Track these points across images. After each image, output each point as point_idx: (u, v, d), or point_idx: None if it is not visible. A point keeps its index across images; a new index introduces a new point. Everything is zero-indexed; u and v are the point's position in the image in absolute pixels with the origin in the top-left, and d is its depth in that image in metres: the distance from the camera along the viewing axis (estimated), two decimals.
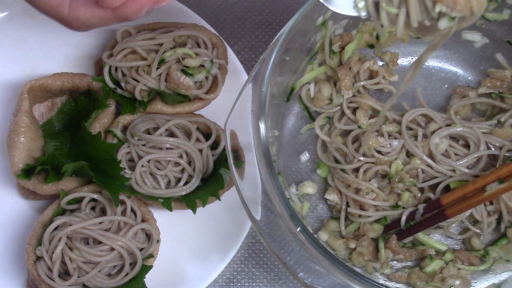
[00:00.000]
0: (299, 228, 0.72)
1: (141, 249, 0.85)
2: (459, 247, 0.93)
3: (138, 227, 0.85)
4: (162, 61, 0.89)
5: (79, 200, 0.87)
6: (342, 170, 0.93)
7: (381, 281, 0.90)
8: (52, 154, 0.87)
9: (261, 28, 1.07)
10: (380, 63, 1.00)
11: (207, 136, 0.91)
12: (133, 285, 0.84)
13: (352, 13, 0.57)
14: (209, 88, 0.93)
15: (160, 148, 0.88)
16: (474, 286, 0.90)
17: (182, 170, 0.89)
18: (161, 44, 0.90)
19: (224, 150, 0.90)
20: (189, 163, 0.89)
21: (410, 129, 0.96)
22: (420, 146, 0.92)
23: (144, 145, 0.88)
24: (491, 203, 0.91)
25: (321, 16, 0.88)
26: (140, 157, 0.88)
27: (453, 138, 0.94)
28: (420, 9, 0.54)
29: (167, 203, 0.87)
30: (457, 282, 0.88)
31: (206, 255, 0.89)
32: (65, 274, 0.83)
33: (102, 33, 0.97)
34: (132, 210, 0.87)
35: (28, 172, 0.85)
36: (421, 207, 0.90)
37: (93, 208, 0.87)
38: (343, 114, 0.97)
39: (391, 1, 0.53)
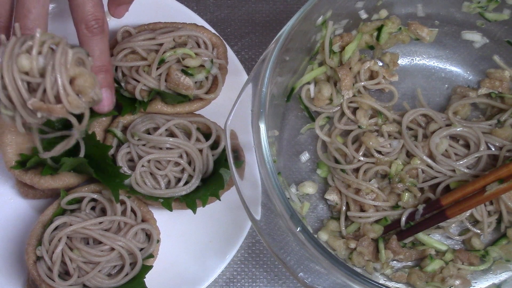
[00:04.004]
0: (299, 228, 0.72)
1: (141, 249, 0.85)
2: (459, 247, 0.93)
3: (138, 227, 0.85)
4: (162, 61, 0.89)
5: (79, 200, 0.87)
6: (342, 170, 0.93)
7: (381, 281, 0.90)
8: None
9: (261, 28, 1.07)
10: (380, 64, 1.00)
11: (207, 136, 0.91)
12: (133, 285, 0.84)
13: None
14: (209, 88, 0.93)
15: (160, 148, 0.88)
16: (474, 286, 0.90)
17: (182, 170, 0.89)
18: (161, 44, 0.90)
19: (224, 150, 0.90)
20: (189, 163, 0.89)
21: (410, 129, 0.96)
22: (420, 146, 0.92)
23: (144, 145, 0.88)
24: (491, 203, 0.91)
25: (321, 16, 0.89)
26: (140, 157, 0.88)
27: (453, 138, 0.95)
28: (27, 113, 0.70)
29: (167, 203, 0.87)
30: (457, 282, 0.88)
31: (206, 255, 0.89)
32: (65, 274, 0.83)
33: None
34: (132, 210, 0.87)
35: (23, 163, 0.85)
36: (421, 207, 0.90)
37: (93, 208, 0.87)
38: (343, 114, 0.97)
39: (6, 107, 0.70)
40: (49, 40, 0.68)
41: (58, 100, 0.69)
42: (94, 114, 0.88)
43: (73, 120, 0.73)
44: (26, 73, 0.68)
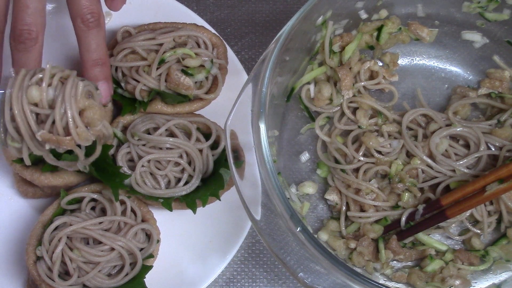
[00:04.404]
0: (299, 228, 0.72)
1: (141, 249, 0.85)
2: (459, 247, 0.93)
3: (138, 227, 0.85)
4: (162, 61, 0.89)
5: (79, 200, 0.87)
6: (342, 170, 0.93)
7: (381, 281, 0.90)
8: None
9: (261, 28, 1.07)
10: (380, 64, 1.00)
11: (207, 136, 0.91)
12: (133, 285, 0.84)
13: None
14: (209, 88, 0.93)
15: (160, 148, 0.88)
16: (474, 286, 0.90)
17: (182, 170, 0.89)
18: (161, 44, 0.90)
19: (224, 150, 0.90)
20: (189, 163, 0.89)
21: (410, 129, 0.96)
22: (420, 146, 0.92)
23: (144, 145, 0.88)
24: (491, 203, 0.91)
25: (321, 16, 0.89)
26: (140, 157, 0.88)
27: (453, 138, 0.95)
28: (35, 145, 0.71)
29: (167, 203, 0.87)
30: (457, 282, 0.88)
31: (206, 255, 0.89)
32: (65, 274, 0.83)
33: None
34: (132, 210, 0.87)
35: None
36: (421, 207, 0.90)
37: (93, 208, 0.87)
38: (343, 114, 0.97)
39: (14, 138, 0.71)
40: (59, 73, 0.70)
41: (66, 132, 0.70)
42: None
43: (80, 154, 0.74)
44: (35, 105, 0.69)
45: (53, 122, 0.69)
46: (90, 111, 0.70)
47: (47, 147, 0.70)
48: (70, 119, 0.69)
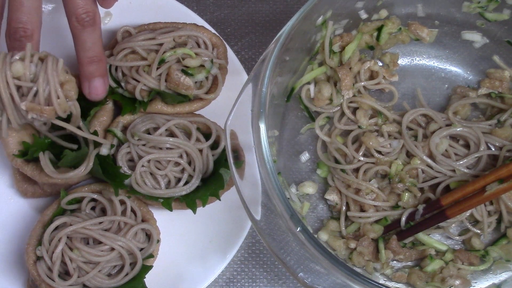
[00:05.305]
0: (299, 228, 0.72)
1: (141, 249, 0.85)
2: (459, 247, 0.93)
3: (138, 227, 0.85)
4: (162, 61, 0.89)
5: (79, 200, 0.87)
6: (342, 170, 0.93)
7: (381, 281, 0.90)
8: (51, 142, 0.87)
9: (261, 28, 1.07)
10: (380, 64, 1.00)
11: (207, 136, 0.91)
12: (133, 285, 0.84)
13: None
14: (209, 88, 0.93)
15: (160, 148, 0.88)
16: (474, 286, 0.90)
17: (182, 170, 0.89)
18: (161, 44, 0.90)
19: (224, 150, 0.90)
20: (189, 163, 0.89)
21: (410, 129, 0.96)
22: (420, 146, 0.92)
23: (144, 145, 0.88)
24: (491, 203, 0.91)
25: (321, 16, 0.89)
26: (140, 157, 0.88)
27: (453, 138, 0.95)
28: (14, 116, 0.76)
29: (167, 203, 0.87)
30: (457, 282, 0.88)
31: (206, 255, 0.89)
32: (65, 274, 0.83)
33: (102, 32, 0.97)
34: (132, 210, 0.87)
35: (25, 153, 0.85)
36: (421, 207, 0.90)
37: (93, 208, 0.87)
38: (343, 114, 0.97)
39: None
40: (37, 54, 0.75)
41: (48, 103, 0.76)
42: (91, 106, 0.89)
43: (61, 124, 0.79)
44: (18, 79, 0.74)
45: (35, 95, 0.75)
46: (68, 85, 0.76)
47: (29, 116, 0.75)
48: (53, 90, 0.75)
